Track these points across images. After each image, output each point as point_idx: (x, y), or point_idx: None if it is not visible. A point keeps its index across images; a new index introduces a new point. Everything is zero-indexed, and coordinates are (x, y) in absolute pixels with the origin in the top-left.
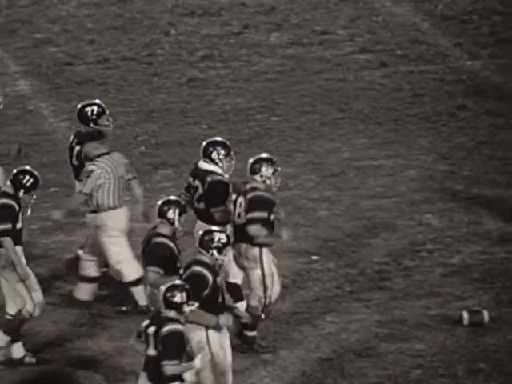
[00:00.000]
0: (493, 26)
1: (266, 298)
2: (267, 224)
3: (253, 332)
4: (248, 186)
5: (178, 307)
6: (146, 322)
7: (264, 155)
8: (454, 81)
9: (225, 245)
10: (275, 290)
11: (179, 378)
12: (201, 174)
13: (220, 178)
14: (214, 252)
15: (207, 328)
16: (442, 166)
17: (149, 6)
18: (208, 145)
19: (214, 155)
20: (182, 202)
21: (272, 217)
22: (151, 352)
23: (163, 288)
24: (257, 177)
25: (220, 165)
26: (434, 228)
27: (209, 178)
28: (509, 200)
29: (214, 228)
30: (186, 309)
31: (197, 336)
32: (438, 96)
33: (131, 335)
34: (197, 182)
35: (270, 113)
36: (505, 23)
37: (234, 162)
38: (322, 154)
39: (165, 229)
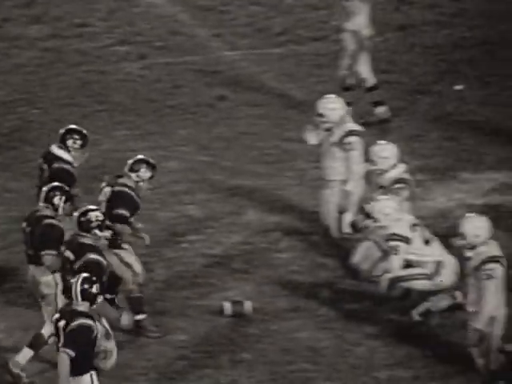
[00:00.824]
0: (251, 17)
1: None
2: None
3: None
4: (119, 181)
5: (93, 298)
6: (57, 316)
7: (144, 157)
8: (213, 72)
9: (103, 221)
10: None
11: (93, 368)
12: (50, 158)
13: (66, 166)
14: (96, 231)
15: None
16: (202, 156)
17: None
18: (66, 131)
19: (70, 143)
20: (67, 189)
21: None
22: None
23: (77, 280)
24: (133, 175)
25: (72, 153)
26: (194, 219)
27: (56, 165)
28: (268, 190)
29: (88, 207)
30: (99, 300)
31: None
32: (197, 87)
33: None
34: (45, 166)
35: (31, 105)
36: (262, 13)
37: (87, 154)
38: None
39: (49, 212)
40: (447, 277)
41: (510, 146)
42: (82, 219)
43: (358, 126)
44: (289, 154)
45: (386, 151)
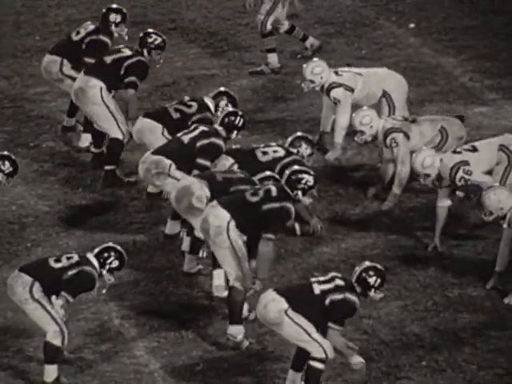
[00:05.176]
0: None
1: None
2: None
3: None
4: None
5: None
6: None
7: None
8: None
9: (310, 187)
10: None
11: None
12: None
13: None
14: (299, 193)
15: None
16: (275, 75)
17: None
18: (108, 10)
19: (112, 18)
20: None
21: None
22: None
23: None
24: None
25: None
26: None
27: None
28: None
29: (302, 168)
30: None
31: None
32: None
33: None
34: None
35: None
36: None
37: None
38: None
39: None
40: None
41: None
42: (293, 177)
43: None
44: None
45: (367, 117)
